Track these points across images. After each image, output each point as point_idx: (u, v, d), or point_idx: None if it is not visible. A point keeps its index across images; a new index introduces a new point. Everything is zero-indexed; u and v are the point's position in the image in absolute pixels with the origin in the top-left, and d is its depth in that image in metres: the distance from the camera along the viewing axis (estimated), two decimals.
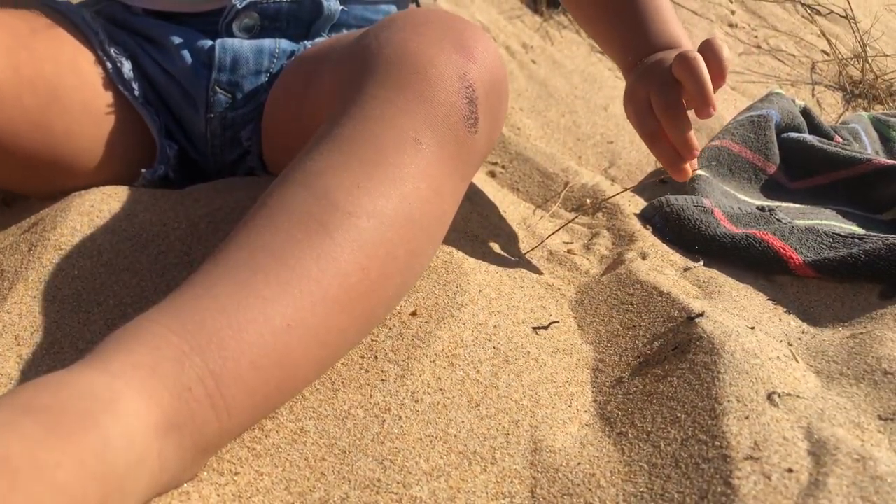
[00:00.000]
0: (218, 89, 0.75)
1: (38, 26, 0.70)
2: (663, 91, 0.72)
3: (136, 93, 0.75)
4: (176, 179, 0.80)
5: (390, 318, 0.59)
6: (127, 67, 0.75)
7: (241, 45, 0.75)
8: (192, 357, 0.41)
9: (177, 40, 0.76)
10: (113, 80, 0.74)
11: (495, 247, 0.76)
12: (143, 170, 0.76)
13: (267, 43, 0.76)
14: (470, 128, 0.56)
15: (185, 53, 0.76)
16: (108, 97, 0.74)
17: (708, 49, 0.70)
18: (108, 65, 0.74)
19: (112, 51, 0.75)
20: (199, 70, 0.76)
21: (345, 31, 0.82)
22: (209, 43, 0.76)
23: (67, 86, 0.70)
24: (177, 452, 0.40)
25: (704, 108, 0.69)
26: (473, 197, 0.85)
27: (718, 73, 0.70)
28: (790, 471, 0.45)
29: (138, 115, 0.76)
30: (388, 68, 0.55)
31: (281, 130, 0.74)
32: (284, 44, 0.77)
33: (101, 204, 0.70)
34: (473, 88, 0.56)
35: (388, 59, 0.56)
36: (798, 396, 0.53)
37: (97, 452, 0.35)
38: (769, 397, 0.52)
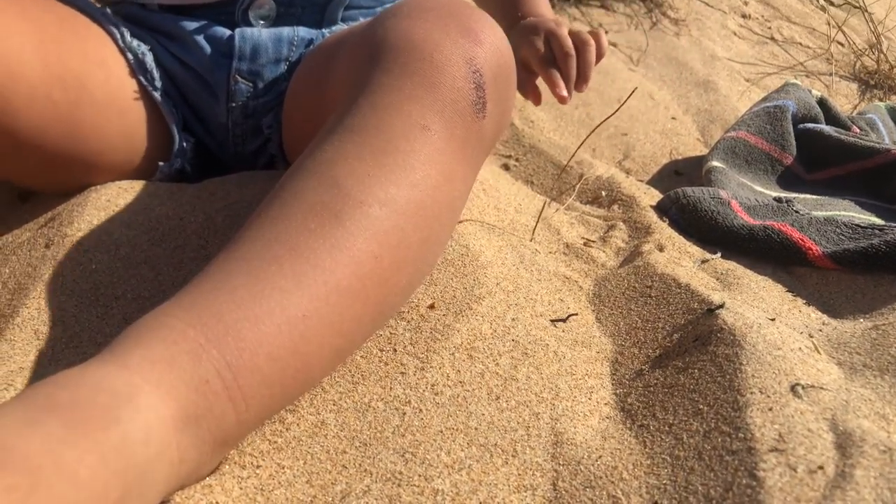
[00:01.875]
0: (239, 78, 0.75)
1: (65, 19, 0.70)
2: (562, 36, 0.86)
3: (158, 83, 0.75)
4: (192, 173, 0.80)
5: (408, 311, 0.59)
6: (149, 58, 0.75)
7: (259, 33, 0.76)
8: (209, 350, 0.41)
9: (195, 32, 0.77)
10: (135, 71, 0.74)
11: (511, 240, 0.76)
12: (161, 163, 0.76)
13: (286, 31, 0.77)
14: (478, 112, 0.56)
15: (204, 44, 0.76)
16: (131, 90, 0.74)
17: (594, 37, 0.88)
18: (129, 56, 0.74)
19: (134, 42, 0.75)
20: (219, 60, 0.76)
21: (361, 18, 0.82)
22: (228, 33, 0.76)
23: (95, 80, 0.70)
24: (195, 445, 0.40)
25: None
26: (489, 190, 0.84)
27: (599, 53, 0.87)
28: (816, 463, 0.44)
29: (157, 109, 0.76)
30: (395, 55, 0.55)
31: (301, 118, 0.74)
32: (303, 31, 0.77)
33: (118, 198, 0.70)
34: (480, 73, 0.56)
35: (395, 46, 0.55)
36: (822, 388, 0.52)
37: (117, 448, 0.35)
38: (792, 389, 0.51)
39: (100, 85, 0.70)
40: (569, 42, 0.85)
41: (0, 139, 0.64)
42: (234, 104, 0.77)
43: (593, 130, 0.84)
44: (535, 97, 0.92)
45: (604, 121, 0.82)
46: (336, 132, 0.52)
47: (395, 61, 0.54)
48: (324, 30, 0.79)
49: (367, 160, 0.50)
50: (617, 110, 0.87)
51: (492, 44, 0.57)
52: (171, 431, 0.38)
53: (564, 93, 0.83)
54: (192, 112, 0.80)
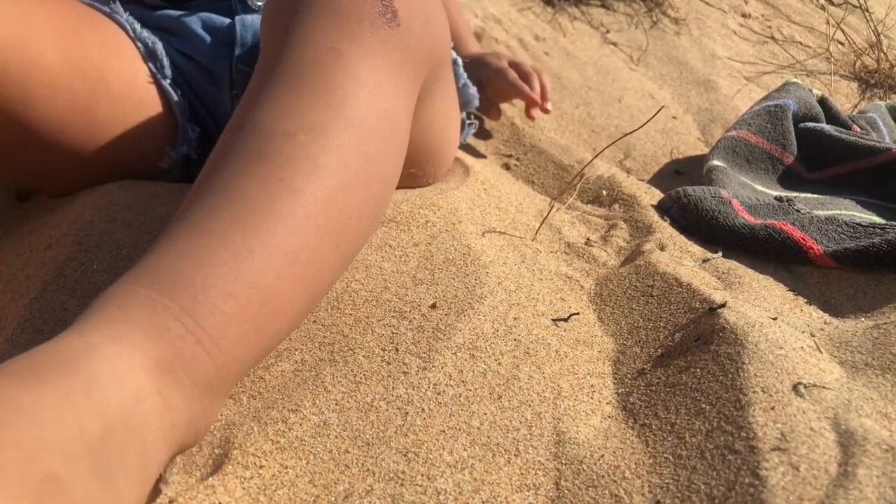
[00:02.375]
0: (241, 65, 0.76)
1: (80, 11, 0.70)
2: (522, 62, 1.08)
3: (167, 71, 0.76)
4: (198, 161, 0.80)
5: (410, 311, 0.59)
6: (160, 46, 0.75)
7: (259, 20, 0.76)
8: (162, 301, 0.41)
9: (195, 24, 0.78)
10: (146, 59, 0.75)
11: (513, 239, 0.76)
12: (168, 147, 0.77)
13: None
14: (389, 22, 0.55)
15: (204, 35, 0.77)
16: (144, 80, 0.74)
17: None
18: (139, 45, 0.74)
19: (144, 32, 0.75)
20: (220, 49, 0.77)
21: None
22: (227, 21, 0.77)
23: (112, 70, 0.70)
24: (179, 391, 0.40)
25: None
26: (490, 189, 0.84)
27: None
28: (818, 462, 0.44)
29: (165, 98, 0.76)
30: None
31: None
32: None
33: (118, 198, 0.70)
34: None
35: None
36: (824, 387, 0.52)
37: (83, 390, 0.35)
38: (795, 388, 0.51)
39: (117, 75, 0.70)
40: (528, 67, 1.07)
41: (17, 130, 0.63)
42: (237, 91, 0.78)
43: (613, 143, 0.84)
44: (496, 112, 1.07)
45: (625, 135, 0.82)
46: (253, 82, 0.53)
47: (296, 1, 0.55)
48: None
49: (284, 97, 0.50)
50: (642, 126, 0.86)
51: None
52: (144, 378, 0.38)
53: (539, 98, 1.02)
54: (199, 103, 0.80)
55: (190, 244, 0.44)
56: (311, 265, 0.48)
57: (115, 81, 0.70)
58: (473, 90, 0.93)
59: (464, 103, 0.93)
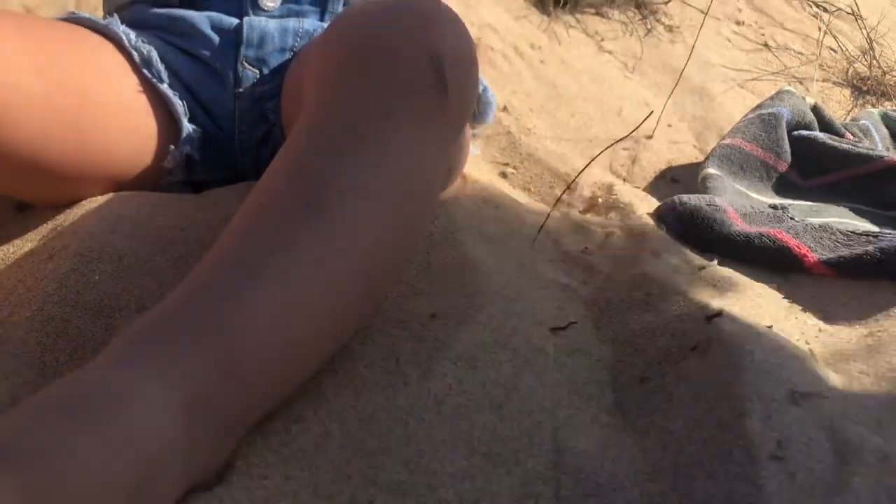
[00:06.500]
0: (246, 64, 0.78)
1: (64, 34, 0.71)
2: None
3: (164, 75, 0.77)
4: (200, 163, 0.80)
5: (410, 321, 0.60)
6: (155, 54, 0.76)
7: (266, 23, 0.79)
8: (203, 342, 0.42)
9: (203, 23, 0.79)
10: (140, 68, 0.76)
11: (511, 248, 0.76)
12: (171, 146, 0.77)
13: (291, 23, 0.80)
14: (440, 94, 0.56)
15: (213, 34, 0.79)
16: (135, 87, 0.75)
17: None
18: (135, 54, 0.75)
19: (139, 42, 0.76)
20: (227, 48, 0.79)
21: None
22: (235, 21, 0.79)
23: (96, 82, 0.71)
24: (205, 431, 0.41)
25: None
26: (487, 198, 0.85)
27: None
28: (815, 470, 0.45)
29: (162, 103, 0.77)
30: (351, 52, 0.56)
31: (293, 107, 0.75)
32: (307, 23, 0.80)
33: (119, 209, 0.70)
34: (438, 56, 0.57)
35: (349, 43, 0.57)
36: (820, 395, 0.53)
37: (125, 436, 0.36)
38: (791, 396, 0.52)
39: (101, 87, 0.71)
40: None
41: (4, 154, 0.64)
42: (240, 90, 0.79)
43: (605, 150, 0.85)
44: None
45: (616, 141, 0.83)
46: (304, 128, 0.54)
47: (354, 55, 0.56)
48: (324, 22, 0.81)
49: (336, 149, 0.51)
50: (631, 133, 0.87)
51: (447, 27, 0.59)
52: (178, 419, 0.39)
53: None
54: (198, 105, 0.81)
55: (235, 285, 0.44)
56: (342, 322, 0.49)
57: (98, 93, 0.71)
58: (492, 96, 0.90)
59: (479, 114, 0.90)
